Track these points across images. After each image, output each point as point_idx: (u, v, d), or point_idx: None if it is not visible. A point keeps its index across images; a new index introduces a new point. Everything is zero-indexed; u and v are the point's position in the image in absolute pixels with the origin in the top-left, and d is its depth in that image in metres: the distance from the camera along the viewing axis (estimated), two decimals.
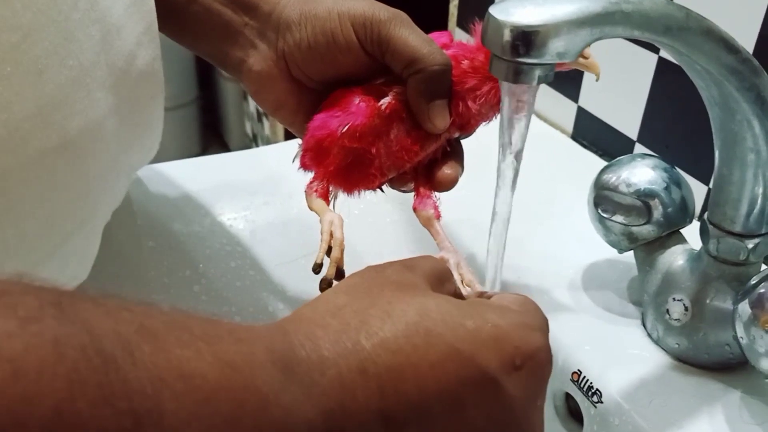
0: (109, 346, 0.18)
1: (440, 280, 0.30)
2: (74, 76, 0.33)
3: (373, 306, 0.26)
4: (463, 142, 0.43)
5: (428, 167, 0.41)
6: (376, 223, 0.57)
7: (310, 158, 0.40)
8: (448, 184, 0.40)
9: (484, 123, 0.41)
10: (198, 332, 0.21)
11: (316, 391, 0.23)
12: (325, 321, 0.26)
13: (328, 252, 0.36)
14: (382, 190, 0.42)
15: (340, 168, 0.39)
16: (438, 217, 0.40)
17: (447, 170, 0.40)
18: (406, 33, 0.37)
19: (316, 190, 0.39)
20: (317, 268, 0.35)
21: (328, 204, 0.39)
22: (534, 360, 0.27)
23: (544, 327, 0.29)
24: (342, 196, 0.41)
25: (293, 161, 0.41)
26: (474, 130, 0.41)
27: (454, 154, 0.41)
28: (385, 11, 0.38)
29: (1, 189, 0.31)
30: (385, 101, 0.38)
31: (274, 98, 0.42)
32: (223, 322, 0.23)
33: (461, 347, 0.26)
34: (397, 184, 0.42)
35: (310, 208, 0.39)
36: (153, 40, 0.41)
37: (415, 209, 0.40)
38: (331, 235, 0.36)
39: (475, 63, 0.39)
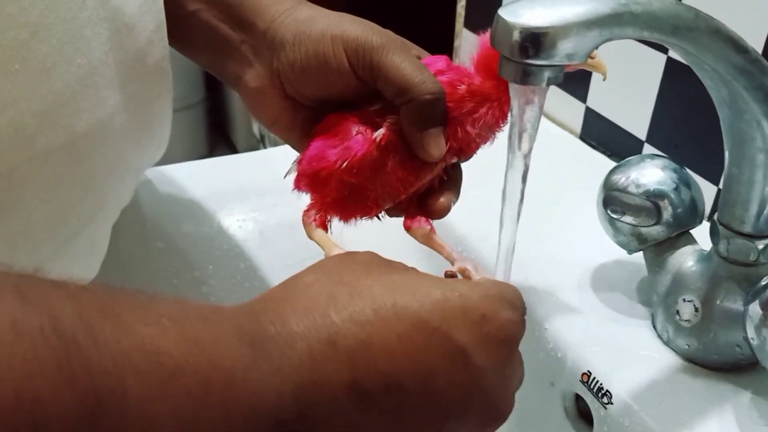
0: (70, 327, 0.18)
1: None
2: (82, 74, 0.33)
3: (341, 283, 0.27)
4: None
5: (423, 194, 0.41)
6: (378, 236, 0.57)
7: (306, 185, 0.39)
8: (441, 213, 0.40)
9: (483, 145, 0.40)
10: (163, 311, 0.22)
11: (285, 366, 0.23)
12: (294, 298, 0.26)
13: None
14: (380, 218, 0.41)
15: (337, 199, 0.39)
16: (433, 231, 0.40)
17: (441, 199, 0.40)
18: (398, 60, 0.36)
19: (314, 220, 0.39)
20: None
21: (326, 231, 0.39)
22: (503, 330, 0.28)
23: (516, 303, 0.30)
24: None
25: (285, 177, 0.41)
26: (474, 154, 0.40)
27: (451, 181, 0.40)
28: (379, 37, 0.37)
29: (7, 186, 0.31)
30: (380, 133, 0.37)
31: (270, 114, 0.42)
32: (190, 302, 0.23)
33: (428, 317, 0.26)
34: (393, 212, 0.41)
35: (311, 238, 0.39)
36: (163, 38, 0.41)
37: (408, 228, 0.40)
38: None
39: (472, 87, 0.38)
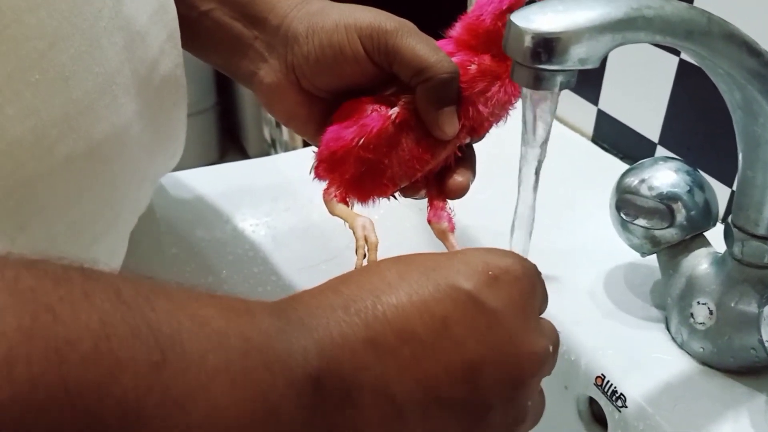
0: (131, 298, 0.21)
1: None
2: (100, 83, 0.33)
3: (350, 272, 0.29)
4: (485, 148, 0.43)
5: (440, 174, 0.41)
6: (395, 228, 0.57)
7: (324, 169, 0.40)
8: (460, 192, 0.41)
9: (496, 124, 0.41)
10: (203, 293, 0.24)
11: (307, 332, 0.26)
12: (310, 289, 0.28)
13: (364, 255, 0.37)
14: (396, 198, 0.42)
15: (355, 176, 0.39)
16: (452, 230, 0.40)
17: (458, 178, 0.41)
18: (413, 42, 0.38)
19: (335, 196, 0.40)
20: None
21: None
22: (508, 273, 0.29)
23: (516, 256, 0.30)
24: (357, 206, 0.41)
25: (310, 172, 0.42)
26: (486, 133, 0.41)
27: (466, 160, 0.41)
28: (392, 21, 0.38)
29: (29, 194, 0.31)
30: (395, 111, 0.39)
31: (286, 109, 0.43)
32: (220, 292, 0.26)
33: (433, 274, 0.28)
34: (409, 192, 0.42)
35: (333, 214, 0.39)
36: (175, 47, 0.41)
37: (429, 222, 0.41)
38: (366, 239, 0.37)
39: (482, 66, 0.39)
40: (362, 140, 0.38)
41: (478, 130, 0.40)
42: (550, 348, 0.30)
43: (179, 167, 0.55)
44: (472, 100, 0.39)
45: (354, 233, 0.38)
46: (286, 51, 0.41)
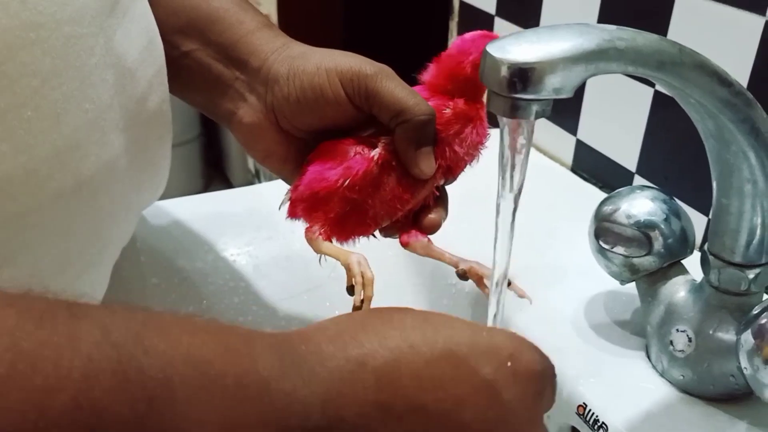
0: (120, 338, 0.20)
1: None
2: (90, 119, 0.34)
3: (372, 315, 0.28)
4: (465, 180, 0.44)
5: (416, 214, 0.43)
6: (378, 258, 0.57)
7: (304, 209, 0.41)
8: (433, 228, 0.42)
9: (469, 164, 0.42)
10: (201, 325, 0.23)
11: (315, 380, 0.24)
12: (325, 326, 0.27)
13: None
14: (375, 237, 0.43)
15: (339, 215, 0.40)
16: (431, 242, 0.42)
17: (432, 215, 0.42)
18: (392, 86, 0.39)
19: (320, 234, 0.40)
20: (357, 311, 0.37)
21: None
22: (530, 369, 0.28)
23: (539, 350, 0.30)
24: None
25: (280, 208, 0.42)
26: (459, 173, 0.43)
27: (440, 199, 0.43)
28: (371, 66, 0.40)
29: (18, 228, 0.31)
30: (376, 152, 0.40)
31: (263, 148, 0.43)
32: (220, 320, 0.25)
33: (457, 350, 0.27)
34: (389, 231, 0.43)
35: (320, 252, 0.40)
36: (162, 82, 0.42)
37: (406, 244, 0.42)
38: (362, 275, 0.38)
39: (457, 110, 0.40)
40: (348, 181, 0.39)
41: (454, 170, 0.42)
42: None
43: (162, 197, 0.55)
44: (448, 141, 0.41)
45: (349, 270, 0.38)
46: (266, 92, 0.42)
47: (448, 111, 0.40)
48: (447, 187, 0.44)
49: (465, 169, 0.43)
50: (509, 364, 0.28)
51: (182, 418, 0.20)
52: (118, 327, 0.20)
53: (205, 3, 0.43)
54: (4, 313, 0.18)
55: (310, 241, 0.40)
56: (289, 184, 0.43)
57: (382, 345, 0.26)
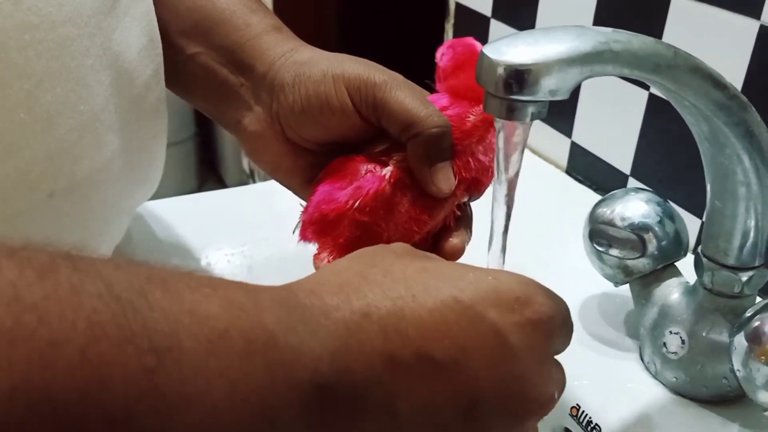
0: (124, 292, 0.19)
1: None
2: (84, 121, 0.33)
3: (374, 265, 0.28)
4: None
5: (436, 236, 0.39)
6: None
7: (314, 232, 0.37)
8: (455, 255, 0.39)
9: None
10: (204, 280, 0.22)
11: (321, 332, 0.24)
12: (327, 279, 0.27)
13: None
14: None
15: (349, 240, 0.37)
16: None
17: (454, 240, 0.39)
18: (401, 96, 0.36)
19: (328, 261, 0.37)
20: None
21: None
22: (537, 314, 0.28)
23: (549, 292, 0.29)
24: None
25: (293, 232, 0.39)
26: (485, 188, 0.39)
27: (463, 219, 0.40)
28: (380, 74, 0.37)
29: (9, 230, 0.31)
30: (388, 170, 0.37)
31: (270, 159, 0.41)
32: (224, 277, 0.24)
33: (460, 296, 0.27)
34: None
35: None
36: (159, 82, 0.41)
37: None
38: None
39: (480, 116, 0.38)
40: (357, 203, 0.36)
41: (477, 185, 0.38)
42: (556, 395, 0.29)
43: (157, 197, 0.55)
44: (471, 151, 0.38)
45: None
46: (271, 99, 0.39)
47: (471, 118, 0.37)
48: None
49: (489, 185, 0.39)
50: (516, 307, 0.27)
51: (191, 372, 0.20)
52: (121, 281, 0.20)
53: (210, 4, 0.41)
54: (5, 264, 0.18)
55: (317, 268, 0.37)
56: (299, 197, 0.41)
57: (385, 296, 0.26)
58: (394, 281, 0.27)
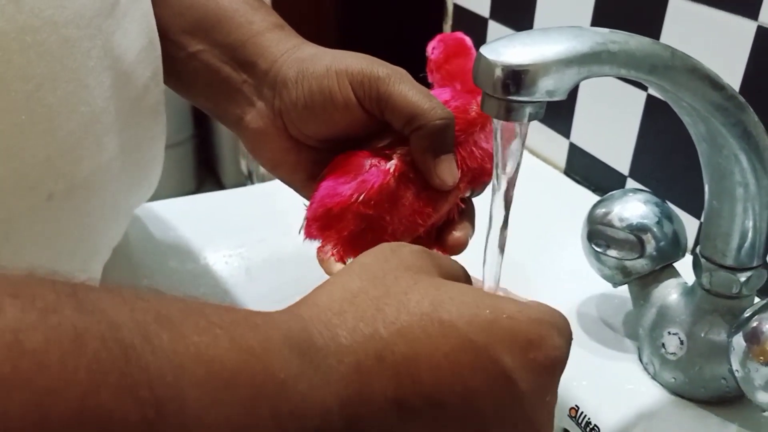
0: (128, 335, 0.19)
1: (456, 278, 0.31)
2: (84, 123, 0.33)
3: (388, 294, 0.27)
4: None
5: (440, 229, 0.40)
6: None
7: (318, 228, 0.37)
8: (459, 248, 0.39)
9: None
10: (215, 319, 0.22)
11: (333, 378, 0.24)
12: (342, 308, 0.26)
13: None
14: None
15: (354, 233, 0.37)
16: None
17: (457, 233, 0.39)
18: (405, 89, 0.36)
19: (333, 254, 0.37)
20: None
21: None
22: (549, 358, 0.27)
23: (563, 330, 0.29)
24: None
25: (299, 232, 0.39)
26: (489, 179, 0.39)
27: (466, 213, 0.40)
28: (383, 68, 0.37)
29: (8, 233, 0.31)
30: (392, 164, 0.37)
31: (272, 156, 0.41)
32: (238, 308, 0.23)
33: (475, 338, 0.26)
34: None
35: (331, 274, 0.37)
36: (158, 84, 0.41)
37: None
38: None
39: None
40: (362, 196, 0.36)
41: (484, 172, 0.38)
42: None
43: (155, 198, 0.55)
44: (474, 140, 0.38)
45: None
46: (273, 96, 0.39)
47: (474, 108, 0.37)
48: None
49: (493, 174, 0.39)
50: (529, 349, 0.27)
51: (193, 422, 0.19)
52: (126, 322, 0.19)
53: (213, 2, 0.41)
54: (9, 303, 0.17)
55: (321, 262, 0.37)
56: (302, 196, 0.41)
57: (400, 336, 0.25)
58: (410, 316, 0.26)
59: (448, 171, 0.37)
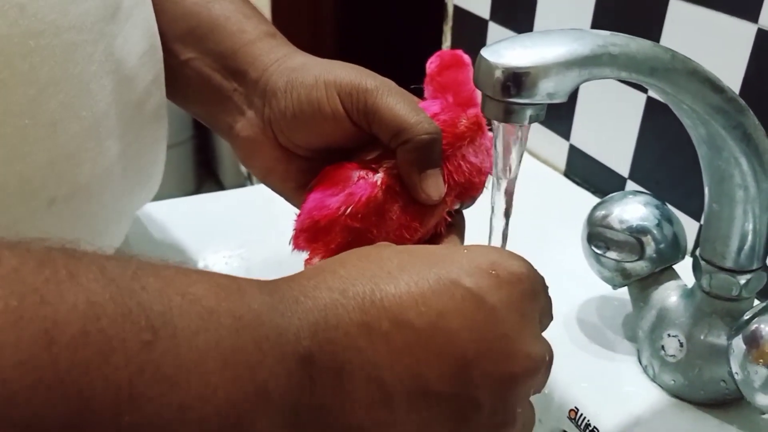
0: (119, 277, 0.21)
1: None
2: (87, 127, 0.33)
3: (351, 254, 0.29)
4: None
5: (427, 244, 0.39)
6: None
7: (305, 239, 0.37)
8: None
9: (486, 179, 0.39)
10: (191, 270, 0.24)
11: (300, 309, 0.26)
12: (304, 271, 0.28)
13: None
14: None
15: (341, 245, 0.36)
16: None
17: None
18: (392, 102, 0.36)
19: None
20: None
21: None
22: (514, 274, 0.29)
23: (523, 259, 0.30)
24: None
25: (289, 243, 0.39)
26: (478, 193, 0.39)
27: (455, 227, 0.39)
28: (372, 80, 0.37)
29: (10, 236, 0.31)
30: (379, 177, 0.37)
31: (262, 165, 0.41)
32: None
33: (434, 268, 0.28)
34: None
35: None
36: (160, 87, 0.41)
37: None
38: None
39: (471, 119, 0.38)
40: (349, 209, 0.36)
41: (472, 186, 0.38)
42: (546, 357, 0.30)
43: (154, 199, 0.55)
44: (461, 154, 0.38)
45: None
46: (263, 105, 0.39)
47: (464, 122, 0.37)
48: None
49: (485, 187, 0.39)
50: (491, 272, 0.28)
51: (185, 346, 0.21)
52: (114, 267, 0.21)
53: (206, 10, 0.41)
54: (6, 254, 0.19)
55: None
56: (292, 205, 0.41)
57: (361, 273, 0.27)
58: (370, 262, 0.28)
59: (433, 186, 0.37)
